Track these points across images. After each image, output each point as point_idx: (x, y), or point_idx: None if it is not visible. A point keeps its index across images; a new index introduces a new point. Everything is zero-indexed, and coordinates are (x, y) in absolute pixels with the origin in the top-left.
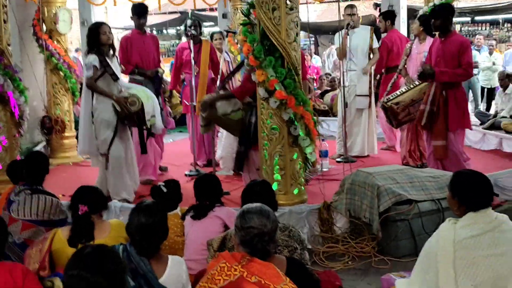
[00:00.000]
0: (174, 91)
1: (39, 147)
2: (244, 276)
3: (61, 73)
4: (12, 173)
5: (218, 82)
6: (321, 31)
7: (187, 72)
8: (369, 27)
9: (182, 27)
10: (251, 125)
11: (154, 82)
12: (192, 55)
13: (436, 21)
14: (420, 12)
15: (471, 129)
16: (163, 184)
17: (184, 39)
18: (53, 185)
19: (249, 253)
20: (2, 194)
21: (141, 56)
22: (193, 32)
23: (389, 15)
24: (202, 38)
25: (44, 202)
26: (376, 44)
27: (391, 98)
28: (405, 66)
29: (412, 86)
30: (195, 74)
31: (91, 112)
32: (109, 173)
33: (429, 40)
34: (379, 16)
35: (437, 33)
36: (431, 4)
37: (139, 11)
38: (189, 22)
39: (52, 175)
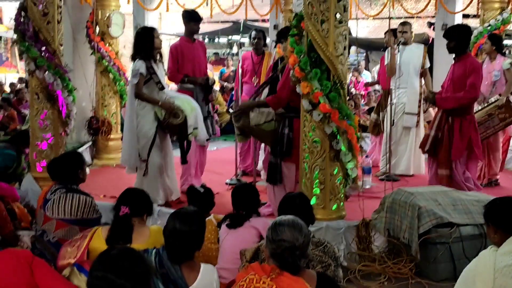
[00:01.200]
0: (221, 99)
1: (84, 148)
2: None
3: (110, 75)
4: (50, 171)
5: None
6: (372, 47)
7: (245, 82)
8: (423, 45)
9: (247, 39)
10: (283, 136)
11: (205, 89)
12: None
13: (450, 42)
14: (475, 33)
15: (480, 160)
16: (199, 187)
17: (235, 48)
18: (95, 185)
19: (279, 267)
20: (42, 192)
21: (192, 64)
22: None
23: None
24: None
25: (78, 201)
26: (428, 64)
27: None
28: None
29: (480, 108)
30: (255, 84)
31: (134, 119)
32: (146, 179)
33: (499, 59)
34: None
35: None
36: (486, 24)
37: (196, 17)
38: (253, 33)
39: (95, 175)
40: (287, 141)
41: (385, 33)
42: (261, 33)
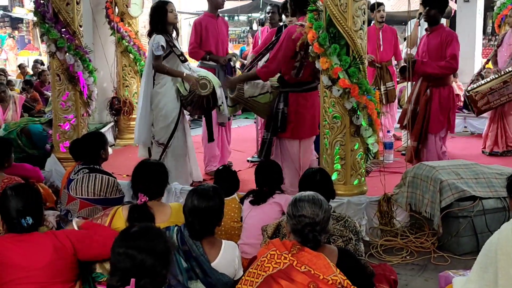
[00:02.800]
0: None
1: (107, 128)
2: (294, 265)
3: (131, 55)
4: (73, 152)
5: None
6: (393, 21)
7: None
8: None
9: (262, 14)
10: (278, 112)
11: (226, 69)
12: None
13: (430, 10)
14: (498, 4)
15: (452, 132)
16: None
17: (255, 26)
18: (118, 165)
19: (300, 242)
20: (65, 172)
21: (216, 41)
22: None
23: None
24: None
25: (101, 181)
26: None
27: (475, 87)
28: (496, 56)
29: (496, 76)
30: None
31: (149, 98)
32: (170, 164)
33: None
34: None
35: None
36: None
37: None
38: (268, 8)
39: (118, 155)
40: (282, 116)
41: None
42: (276, 7)
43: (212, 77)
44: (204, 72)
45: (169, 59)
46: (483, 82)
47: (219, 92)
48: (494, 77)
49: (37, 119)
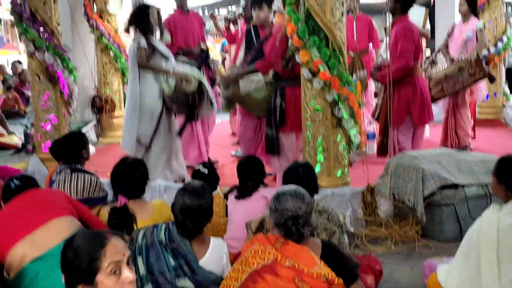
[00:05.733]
0: (223, 71)
1: (89, 126)
2: (278, 259)
3: (111, 53)
4: (54, 152)
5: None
6: (373, 11)
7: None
8: (425, 8)
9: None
10: (276, 107)
11: (200, 58)
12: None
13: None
14: None
15: (419, 125)
16: (202, 166)
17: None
18: (101, 164)
19: (283, 236)
20: (48, 173)
21: (185, 37)
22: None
23: None
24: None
25: (83, 181)
26: (428, 26)
27: (430, 74)
28: (447, 46)
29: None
30: None
31: (137, 98)
32: (151, 163)
33: (472, 20)
34: None
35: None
36: None
37: None
38: (242, 1)
39: (101, 154)
40: (280, 110)
41: None
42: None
43: (197, 74)
44: (188, 68)
45: (153, 59)
46: (438, 70)
47: (208, 86)
48: (449, 64)
49: None
